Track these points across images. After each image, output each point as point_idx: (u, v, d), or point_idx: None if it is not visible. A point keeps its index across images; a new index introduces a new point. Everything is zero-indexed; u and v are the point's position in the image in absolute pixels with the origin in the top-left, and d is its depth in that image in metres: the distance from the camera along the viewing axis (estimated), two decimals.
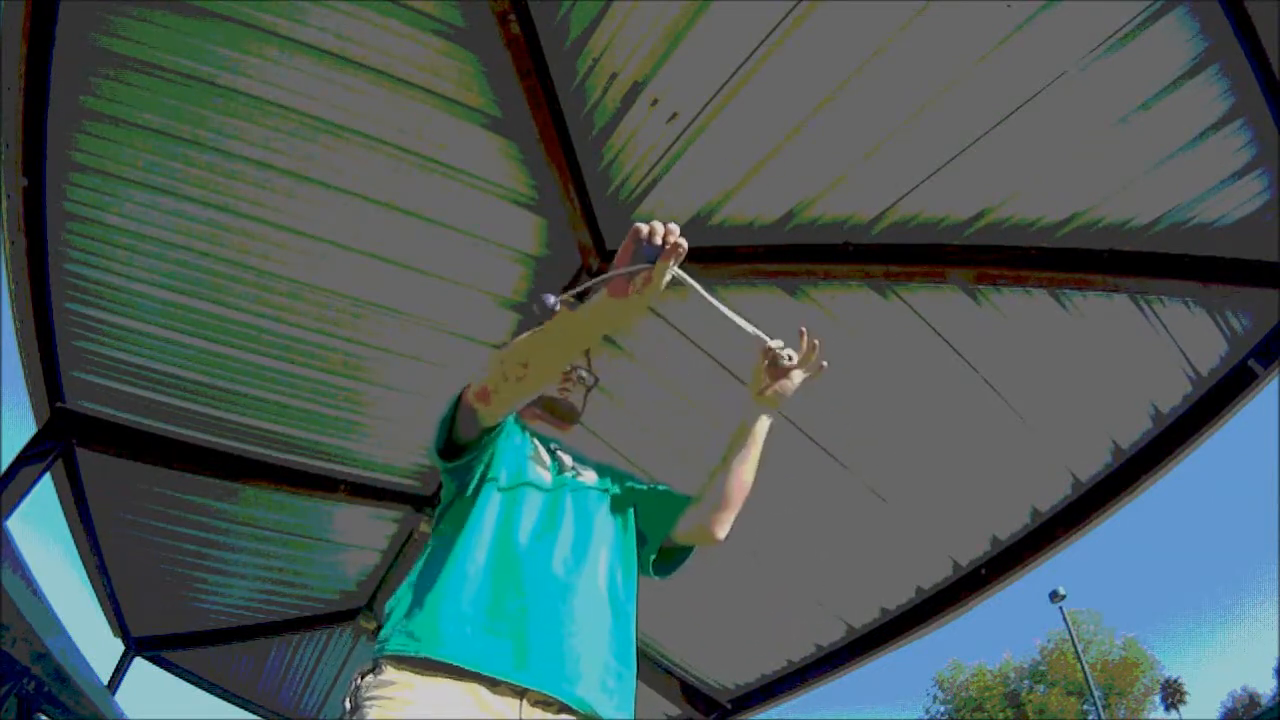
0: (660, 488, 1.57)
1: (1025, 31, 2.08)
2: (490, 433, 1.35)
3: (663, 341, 3.06)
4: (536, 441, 1.52)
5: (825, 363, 1.36)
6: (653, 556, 1.50)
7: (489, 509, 1.33)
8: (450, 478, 1.38)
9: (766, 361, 1.38)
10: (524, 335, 1.26)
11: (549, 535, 1.33)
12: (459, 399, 1.34)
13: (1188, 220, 2.35)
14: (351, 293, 3.12)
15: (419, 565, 1.32)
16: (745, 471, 1.41)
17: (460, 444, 1.35)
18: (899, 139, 2.39)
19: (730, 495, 1.41)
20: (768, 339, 1.35)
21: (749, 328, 1.29)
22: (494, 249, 2.96)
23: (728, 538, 1.46)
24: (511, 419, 1.46)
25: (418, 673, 1.13)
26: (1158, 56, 2.05)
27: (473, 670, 1.14)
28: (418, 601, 1.22)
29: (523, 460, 1.44)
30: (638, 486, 1.57)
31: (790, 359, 1.35)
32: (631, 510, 1.51)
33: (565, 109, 2.51)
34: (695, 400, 3.24)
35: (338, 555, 4.92)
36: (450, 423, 1.34)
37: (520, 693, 1.16)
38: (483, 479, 1.37)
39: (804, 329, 1.33)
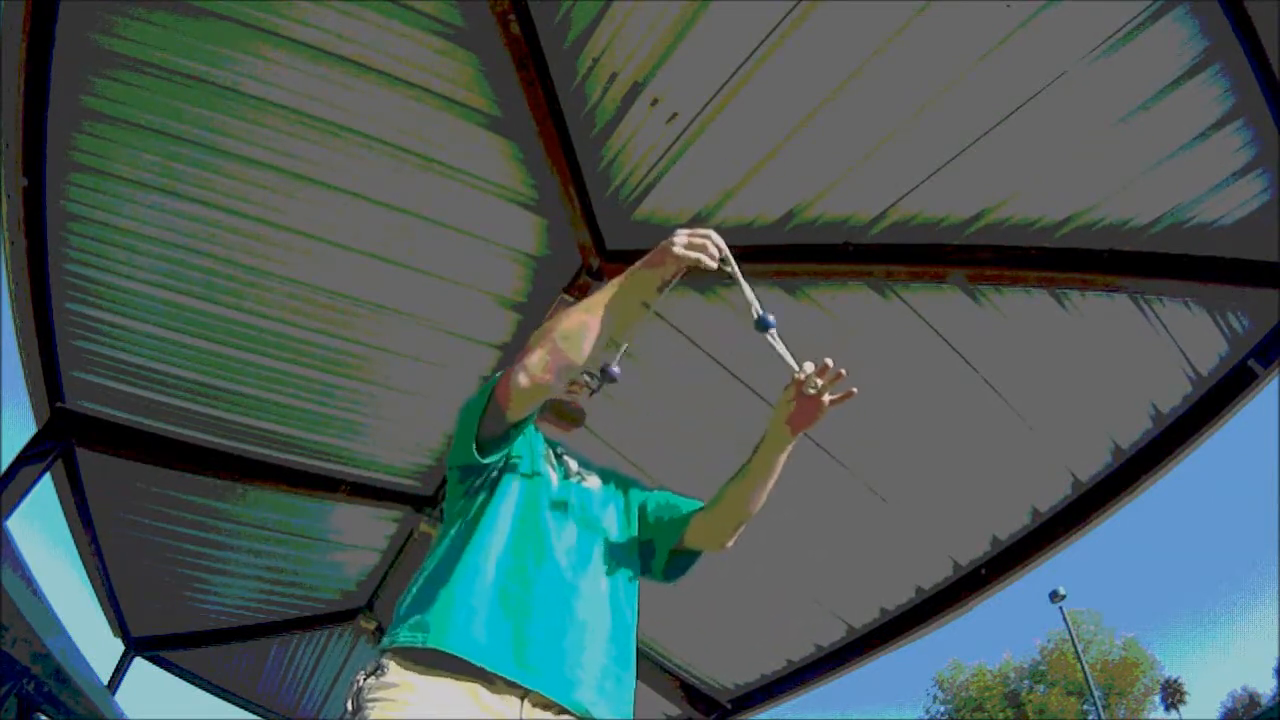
0: (663, 493, 1.58)
1: (1025, 31, 2.08)
2: (517, 428, 1.36)
3: (664, 343, 3.06)
4: (545, 443, 1.53)
5: (855, 389, 1.33)
6: (663, 564, 1.51)
7: (502, 507, 1.34)
8: (461, 475, 1.39)
9: (795, 393, 1.34)
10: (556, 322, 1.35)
11: (556, 537, 1.34)
12: (490, 397, 1.33)
13: (1188, 220, 2.35)
14: (351, 293, 3.12)
15: (429, 561, 1.32)
16: (762, 495, 1.44)
17: (484, 443, 1.35)
18: (899, 139, 2.39)
19: (744, 513, 1.46)
20: (798, 369, 1.32)
21: (788, 357, 1.32)
22: (494, 249, 2.96)
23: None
24: None
25: (420, 672, 1.14)
26: (1158, 56, 2.05)
27: (475, 664, 1.14)
28: (429, 594, 1.23)
29: (537, 461, 1.45)
30: (641, 492, 1.58)
31: (816, 385, 1.31)
32: (635, 516, 1.53)
33: (565, 109, 2.51)
34: (696, 401, 3.24)
35: (338, 555, 4.92)
36: (477, 425, 1.33)
37: (523, 693, 1.17)
38: (496, 477, 1.38)
39: (829, 361, 1.30)
